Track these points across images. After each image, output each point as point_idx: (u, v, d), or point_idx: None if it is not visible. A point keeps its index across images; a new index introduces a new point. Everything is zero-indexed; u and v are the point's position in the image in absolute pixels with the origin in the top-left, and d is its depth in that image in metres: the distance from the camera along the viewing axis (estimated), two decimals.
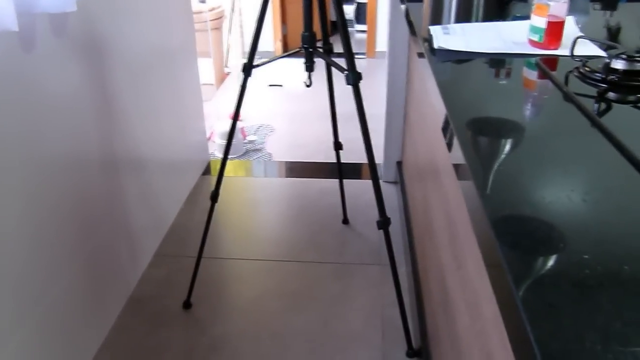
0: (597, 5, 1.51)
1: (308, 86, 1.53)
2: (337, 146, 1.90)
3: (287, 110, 3.52)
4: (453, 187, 1.15)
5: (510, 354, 0.68)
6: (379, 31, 4.59)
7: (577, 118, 0.72)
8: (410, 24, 1.29)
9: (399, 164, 2.44)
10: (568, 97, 0.78)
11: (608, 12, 1.49)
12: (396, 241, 2.08)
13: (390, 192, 2.44)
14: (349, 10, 5.78)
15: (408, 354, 1.54)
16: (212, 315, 1.72)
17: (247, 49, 4.81)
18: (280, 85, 3.93)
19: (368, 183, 2.50)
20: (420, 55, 1.08)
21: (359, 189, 2.45)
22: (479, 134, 0.71)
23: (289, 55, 1.51)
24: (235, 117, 1.48)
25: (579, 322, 0.37)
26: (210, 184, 2.56)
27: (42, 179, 1.27)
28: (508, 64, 0.95)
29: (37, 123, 1.24)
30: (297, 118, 3.38)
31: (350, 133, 3.10)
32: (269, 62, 1.51)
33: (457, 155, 0.67)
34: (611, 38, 1.13)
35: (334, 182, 2.52)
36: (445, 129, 0.80)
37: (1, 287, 1.13)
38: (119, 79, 1.65)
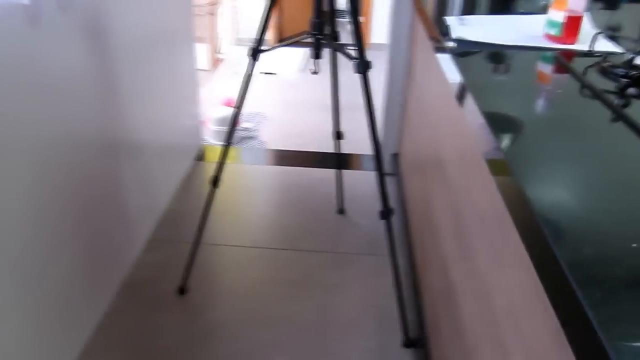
0: (599, 5, 1.52)
1: (315, 73, 1.51)
2: (338, 135, 1.89)
3: (281, 98, 3.50)
4: (464, 180, 1.15)
5: (526, 344, 0.69)
6: (374, 23, 4.58)
7: (602, 111, 0.73)
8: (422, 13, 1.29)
9: (396, 156, 2.45)
10: (591, 91, 0.79)
11: (609, 11, 1.50)
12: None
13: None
14: (343, 1, 5.76)
15: (405, 344, 1.55)
16: (207, 301, 1.71)
17: (241, 35, 4.73)
18: (274, 74, 3.91)
19: (363, 174, 2.51)
20: (439, 47, 1.07)
21: (355, 179, 2.44)
22: (512, 128, 0.71)
23: (297, 41, 1.49)
24: (241, 102, 1.47)
25: (637, 307, 0.38)
26: (204, 170, 2.54)
27: (46, 158, 1.25)
28: (528, 56, 0.96)
29: (40, 102, 1.21)
30: (291, 107, 3.37)
31: (347, 124, 3.10)
32: (276, 47, 1.50)
33: (488, 149, 0.68)
34: (614, 37, 1.14)
35: (328, 172, 2.52)
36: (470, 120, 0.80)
37: (1, 266, 1.11)
38: (120, 60, 1.62)
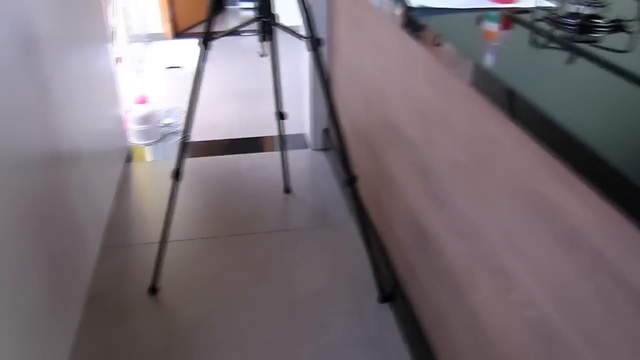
0: None
1: (263, 56, 1.55)
2: (281, 116, 1.94)
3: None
4: (426, 135, 1.26)
5: (533, 261, 0.79)
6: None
7: (561, 54, 0.85)
8: None
9: (327, 131, 2.54)
10: (543, 35, 0.92)
11: None
12: (336, 204, 2.19)
13: (319, 160, 2.53)
14: None
15: (382, 299, 1.65)
16: (180, 297, 1.71)
17: (134, 32, 4.54)
18: (180, 67, 3.83)
19: (295, 153, 2.58)
20: (405, 15, 1.16)
21: (291, 158, 2.51)
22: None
23: (246, 24, 1.51)
24: (194, 94, 1.47)
25: None
26: (136, 171, 2.47)
27: None
28: (488, 17, 1.07)
29: None
30: (203, 98, 3.33)
31: (261, 109, 3.14)
32: (227, 33, 1.51)
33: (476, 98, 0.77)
34: None
35: (261, 156, 2.56)
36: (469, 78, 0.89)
37: None
38: (39, 66, 1.55)
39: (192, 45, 4.29)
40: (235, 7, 5.73)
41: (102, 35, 2.29)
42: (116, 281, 1.78)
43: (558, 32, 0.95)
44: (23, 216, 1.28)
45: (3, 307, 1.13)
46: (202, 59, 1.41)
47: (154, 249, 1.91)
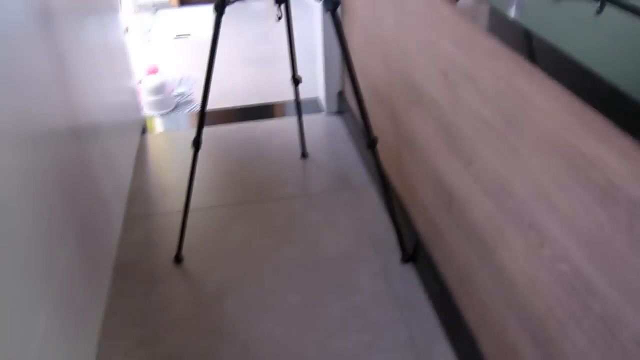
0: None
1: (280, 19, 1.53)
2: (296, 81, 1.92)
3: (203, 59, 3.40)
4: (451, 95, 1.25)
5: (564, 215, 0.78)
6: None
7: (590, 4, 0.83)
8: None
9: (340, 94, 2.51)
10: None
11: None
12: (355, 167, 2.19)
13: (335, 124, 2.52)
14: None
15: (405, 259, 1.67)
16: (207, 264, 1.74)
17: (140, 1, 4.48)
18: (188, 35, 3.79)
19: (311, 117, 2.57)
20: None
21: (305, 123, 2.50)
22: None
23: None
24: (211, 59, 1.46)
25: None
26: (151, 142, 2.48)
27: (28, 153, 1.19)
28: None
29: (6, 94, 1.15)
30: (215, 66, 3.31)
31: (274, 75, 3.12)
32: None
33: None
34: None
35: (275, 122, 2.56)
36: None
37: (18, 274, 1.08)
38: (58, 37, 1.54)
39: (198, 13, 4.24)
40: None
41: (112, 6, 2.27)
42: (142, 250, 1.81)
43: None
44: (52, 189, 1.29)
45: (39, 278, 1.16)
46: (217, 24, 1.39)
47: (176, 217, 1.94)
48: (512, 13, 0.89)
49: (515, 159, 1.00)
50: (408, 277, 1.63)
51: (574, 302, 0.86)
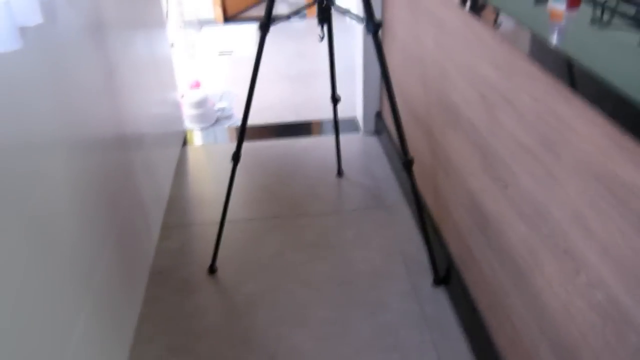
0: None
1: (322, 39, 1.57)
2: (335, 100, 1.95)
3: (244, 75, 3.50)
4: (488, 117, 1.25)
5: (601, 241, 0.78)
6: None
7: (633, 32, 0.83)
8: None
9: (378, 114, 2.53)
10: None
11: None
12: (390, 187, 2.19)
13: (371, 144, 2.54)
14: None
15: (436, 282, 1.66)
16: (240, 276, 1.77)
17: (186, 17, 4.61)
18: (231, 52, 3.89)
19: (348, 137, 2.59)
20: None
21: (342, 143, 2.52)
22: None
23: (305, 8, 1.53)
24: (254, 76, 1.50)
25: None
26: (191, 154, 2.54)
27: (78, 158, 1.25)
28: None
29: (64, 101, 1.21)
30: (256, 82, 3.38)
31: (312, 92, 3.16)
32: (285, 18, 1.53)
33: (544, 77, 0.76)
34: None
35: (313, 139, 2.59)
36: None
37: (62, 274, 1.12)
38: (109, 49, 1.61)
39: (241, 31, 4.35)
40: None
41: (159, 21, 2.36)
42: (177, 259, 1.85)
43: (629, 9, 0.92)
44: (97, 195, 1.35)
45: (81, 279, 1.20)
46: (262, 42, 1.44)
47: (212, 228, 1.98)
48: (553, 39, 0.89)
49: (552, 183, 0.99)
50: (439, 298, 1.62)
51: (609, 332, 0.85)
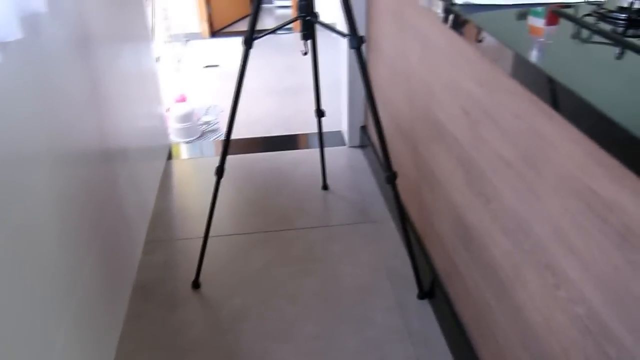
0: None
1: (305, 54, 1.57)
2: (319, 114, 1.96)
3: (230, 89, 3.50)
4: (472, 133, 1.27)
5: (581, 258, 0.79)
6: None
7: (611, 49, 0.85)
8: None
9: (363, 128, 2.55)
10: (591, 30, 0.91)
11: None
12: (375, 201, 2.20)
13: (357, 157, 2.55)
14: None
15: (421, 296, 1.66)
16: (225, 290, 1.75)
17: (172, 31, 4.63)
18: (217, 66, 3.90)
19: (333, 150, 2.60)
20: (448, 11, 1.16)
21: (327, 156, 2.53)
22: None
23: (288, 23, 1.54)
24: (238, 90, 1.50)
25: None
26: (176, 168, 2.53)
27: (62, 170, 1.24)
28: (533, 12, 1.07)
29: (48, 113, 1.20)
30: (242, 96, 3.39)
31: (298, 106, 3.18)
32: (268, 33, 1.54)
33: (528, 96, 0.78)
34: None
35: (299, 153, 2.59)
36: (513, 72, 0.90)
37: (43, 285, 1.11)
38: (95, 61, 1.61)
39: (228, 45, 4.36)
40: (270, 5, 5.78)
41: (144, 35, 2.36)
42: (161, 274, 1.84)
43: (607, 27, 0.94)
44: (80, 208, 1.33)
45: (62, 293, 1.19)
46: (245, 57, 1.44)
47: (196, 243, 1.97)
48: (533, 57, 0.91)
49: (533, 199, 1.01)
50: (424, 313, 1.63)
51: (589, 346, 0.86)
